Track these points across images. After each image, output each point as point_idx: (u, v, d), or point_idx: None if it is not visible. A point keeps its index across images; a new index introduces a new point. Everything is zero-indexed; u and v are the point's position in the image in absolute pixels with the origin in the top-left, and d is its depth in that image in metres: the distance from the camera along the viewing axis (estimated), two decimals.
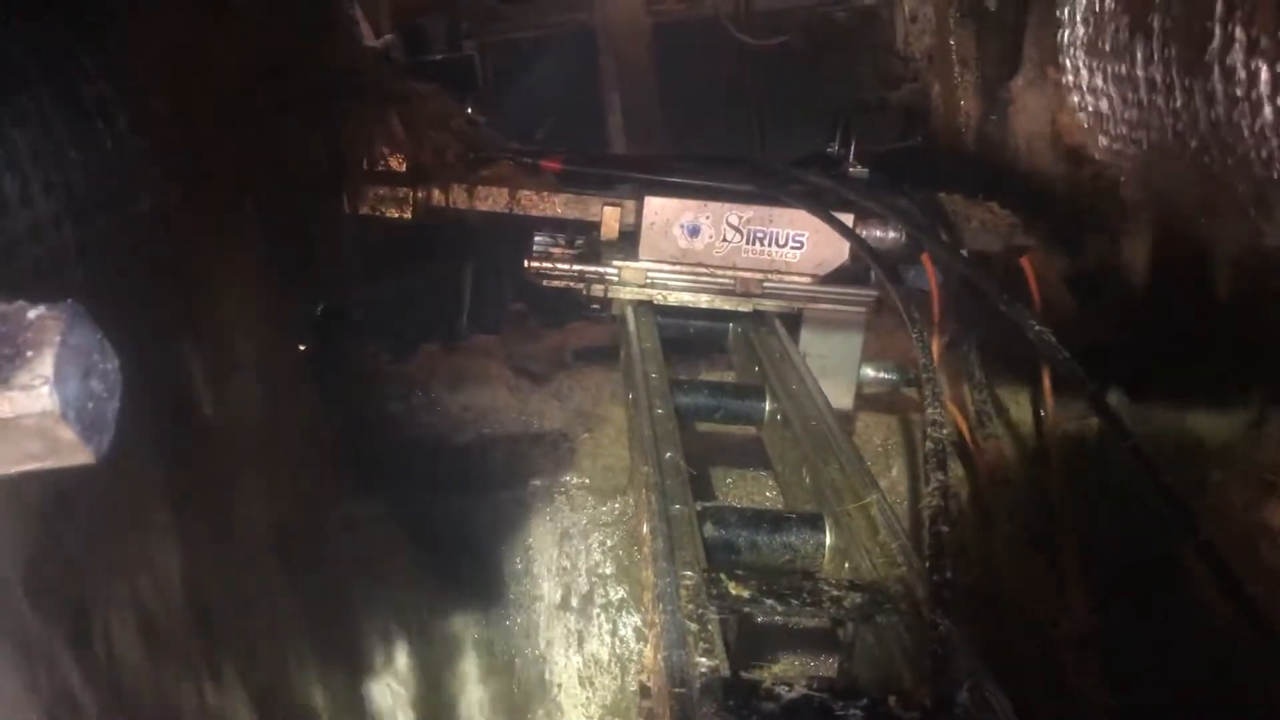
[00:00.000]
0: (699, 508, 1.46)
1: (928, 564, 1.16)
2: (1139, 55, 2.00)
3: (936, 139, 2.73)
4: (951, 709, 1.00)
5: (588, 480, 2.35)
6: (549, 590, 2.29)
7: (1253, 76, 1.58)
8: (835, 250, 2.14)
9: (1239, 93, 1.62)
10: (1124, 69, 2.08)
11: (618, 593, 2.31)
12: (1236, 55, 1.61)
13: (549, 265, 2.20)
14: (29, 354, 0.71)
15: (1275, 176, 1.61)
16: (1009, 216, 2.38)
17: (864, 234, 2.08)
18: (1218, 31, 1.64)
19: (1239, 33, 1.60)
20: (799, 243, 2.13)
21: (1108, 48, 2.16)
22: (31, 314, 0.75)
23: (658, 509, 1.42)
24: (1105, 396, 1.69)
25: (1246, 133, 1.65)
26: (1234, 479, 1.89)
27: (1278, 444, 1.89)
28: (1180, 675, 1.99)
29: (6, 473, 0.80)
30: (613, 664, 2.30)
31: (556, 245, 2.26)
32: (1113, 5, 2.12)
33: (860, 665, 1.26)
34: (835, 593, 1.28)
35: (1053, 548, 2.21)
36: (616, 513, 2.34)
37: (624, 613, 2.31)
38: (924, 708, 1.00)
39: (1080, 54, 2.31)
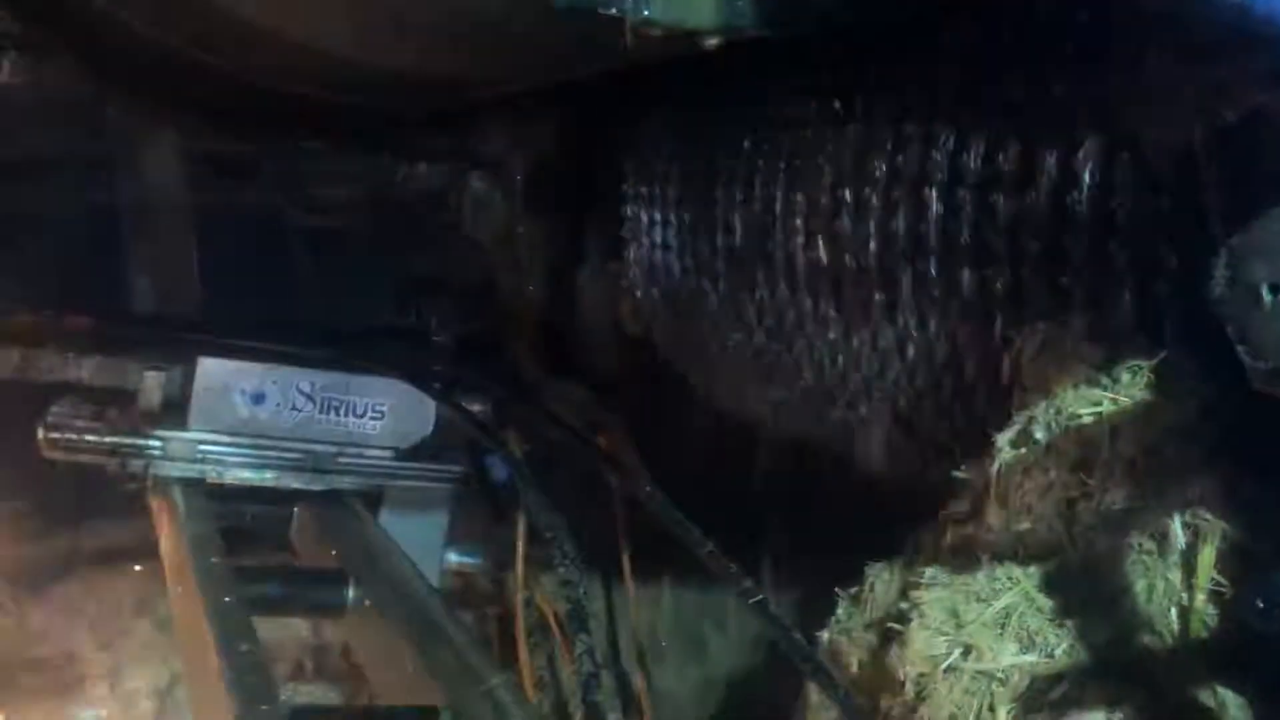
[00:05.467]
0: (288, 710, 1.19)
1: None
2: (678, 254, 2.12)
3: (508, 321, 2.70)
4: None
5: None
6: None
7: None
8: (419, 421, 1.97)
9: None
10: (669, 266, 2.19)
11: None
12: None
13: (71, 436, 1.82)
14: None
15: None
16: (586, 394, 2.37)
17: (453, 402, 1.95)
18: None
19: None
20: (379, 413, 1.94)
21: (656, 244, 2.27)
22: None
23: (239, 715, 1.13)
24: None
25: None
26: None
27: None
28: None
29: None
30: None
31: (80, 416, 1.88)
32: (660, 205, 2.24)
33: None
34: None
35: None
36: None
37: None
38: None
39: (634, 249, 2.41)
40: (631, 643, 2.20)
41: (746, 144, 1.62)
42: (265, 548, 2.02)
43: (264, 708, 1.15)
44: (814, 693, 1.30)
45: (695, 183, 1.91)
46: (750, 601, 1.13)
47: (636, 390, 2.60)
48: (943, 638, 1.16)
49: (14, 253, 2.39)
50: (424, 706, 1.27)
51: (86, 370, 1.93)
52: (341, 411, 1.92)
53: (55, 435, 1.82)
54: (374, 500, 1.94)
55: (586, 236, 2.69)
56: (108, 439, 1.82)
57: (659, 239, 2.22)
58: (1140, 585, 1.06)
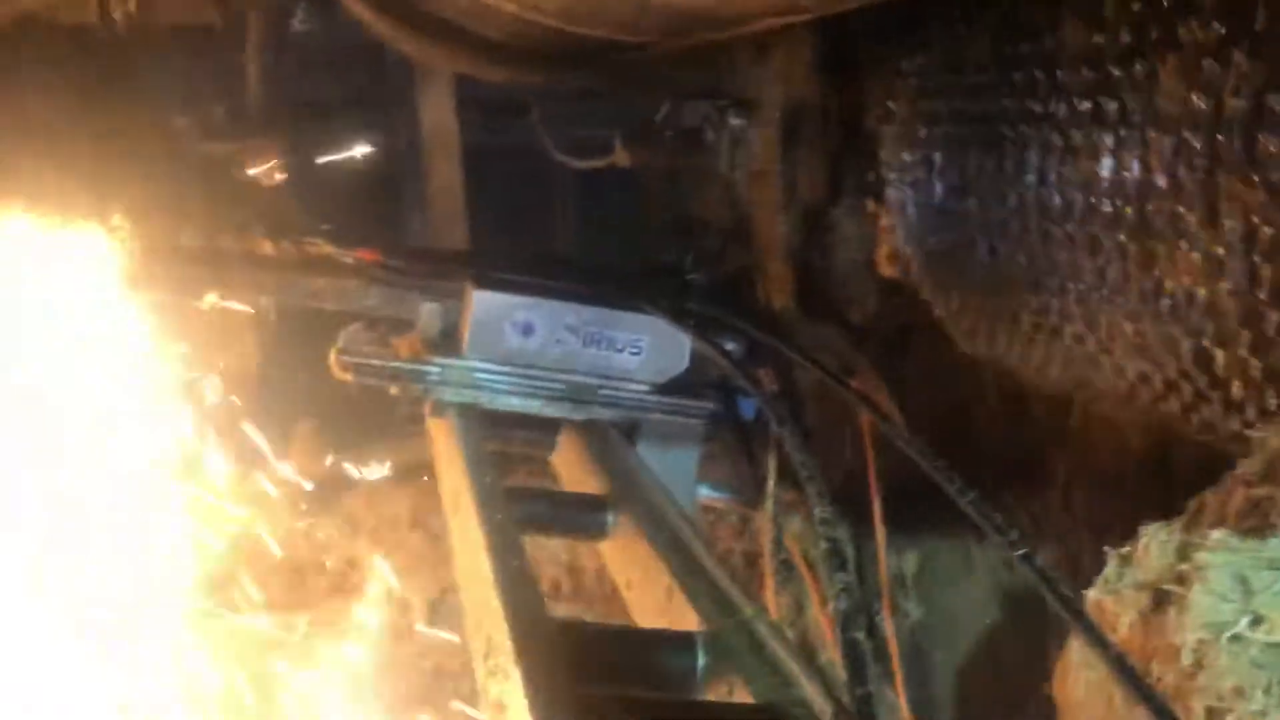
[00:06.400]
0: (557, 621, 1.26)
1: (848, 676, 1.00)
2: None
3: (762, 260, 2.70)
4: None
5: None
6: None
7: None
8: (675, 358, 2.01)
9: None
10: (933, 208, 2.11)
11: None
12: None
13: (360, 360, 1.97)
14: None
15: None
16: (839, 336, 2.35)
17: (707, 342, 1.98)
18: None
19: None
20: (638, 348, 2.00)
21: (919, 184, 2.20)
22: None
23: (511, 624, 1.21)
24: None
25: None
26: None
27: None
28: None
29: None
30: None
31: (368, 342, 2.04)
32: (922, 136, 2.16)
33: None
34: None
35: None
36: None
37: None
38: None
39: (895, 189, 2.35)
40: (880, 588, 2.19)
41: (1029, 79, 1.54)
42: (530, 471, 2.13)
43: (535, 617, 1.23)
44: (1076, 651, 1.26)
45: (968, 120, 1.83)
46: (1017, 554, 1.10)
47: (891, 334, 2.55)
48: (1228, 604, 1.09)
49: (311, 190, 2.59)
50: (682, 631, 1.32)
51: (373, 300, 2.09)
52: (603, 345, 1.98)
53: (346, 359, 1.97)
54: (630, 432, 2.00)
55: (844, 175, 2.64)
56: (392, 364, 1.96)
57: (923, 179, 2.15)
58: None
